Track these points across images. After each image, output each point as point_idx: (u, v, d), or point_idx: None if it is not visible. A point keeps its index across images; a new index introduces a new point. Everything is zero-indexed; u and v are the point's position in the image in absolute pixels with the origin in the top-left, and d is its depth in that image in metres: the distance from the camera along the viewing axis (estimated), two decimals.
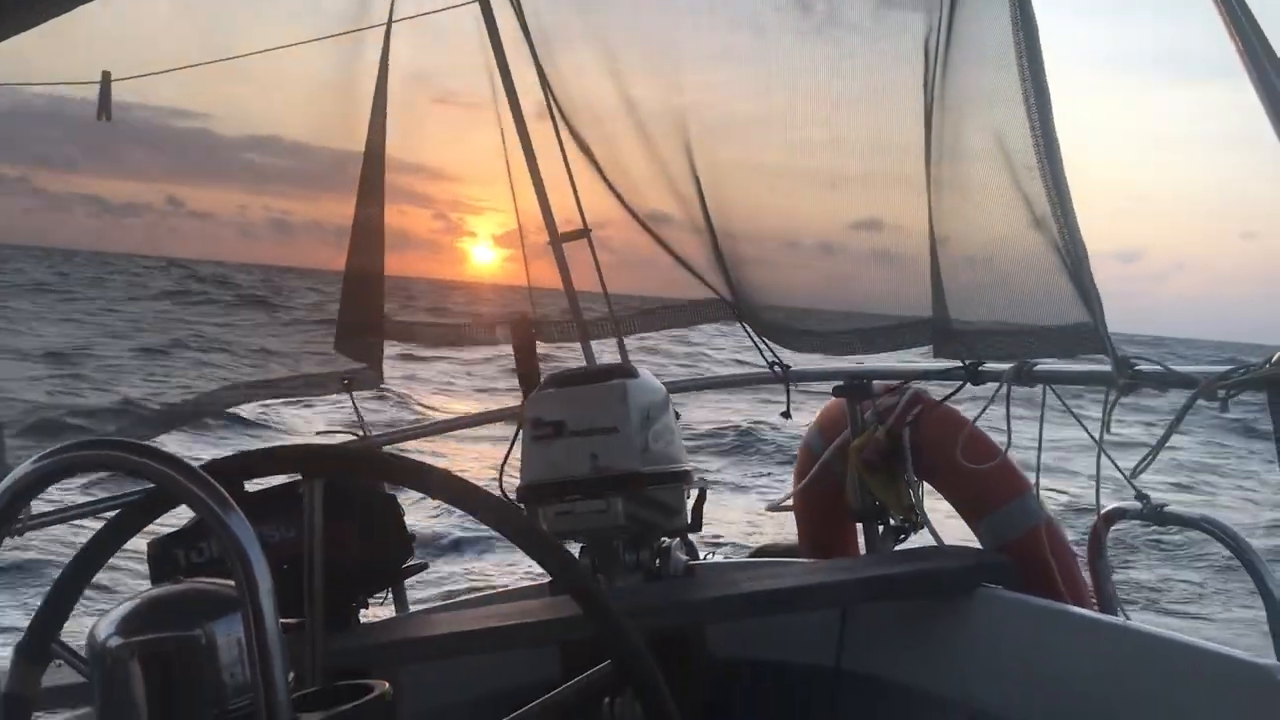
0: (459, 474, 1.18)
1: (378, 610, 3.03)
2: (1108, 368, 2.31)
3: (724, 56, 3.28)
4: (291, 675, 0.90)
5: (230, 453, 1.14)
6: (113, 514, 1.15)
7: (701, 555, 3.43)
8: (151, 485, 0.97)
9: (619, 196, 3.58)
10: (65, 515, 2.98)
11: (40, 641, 1.03)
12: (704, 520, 2.92)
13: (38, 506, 2.85)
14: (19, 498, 0.93)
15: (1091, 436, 2.44)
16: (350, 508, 2.71)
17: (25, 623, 1.06)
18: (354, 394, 3.62)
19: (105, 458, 0.90)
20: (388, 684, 0.95)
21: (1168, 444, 2.30)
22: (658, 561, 2.83)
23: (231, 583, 0.91)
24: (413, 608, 3.21)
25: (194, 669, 0.91)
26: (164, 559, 2.52)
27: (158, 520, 1.20)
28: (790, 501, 3.61)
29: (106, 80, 2.97)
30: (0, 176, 3.43)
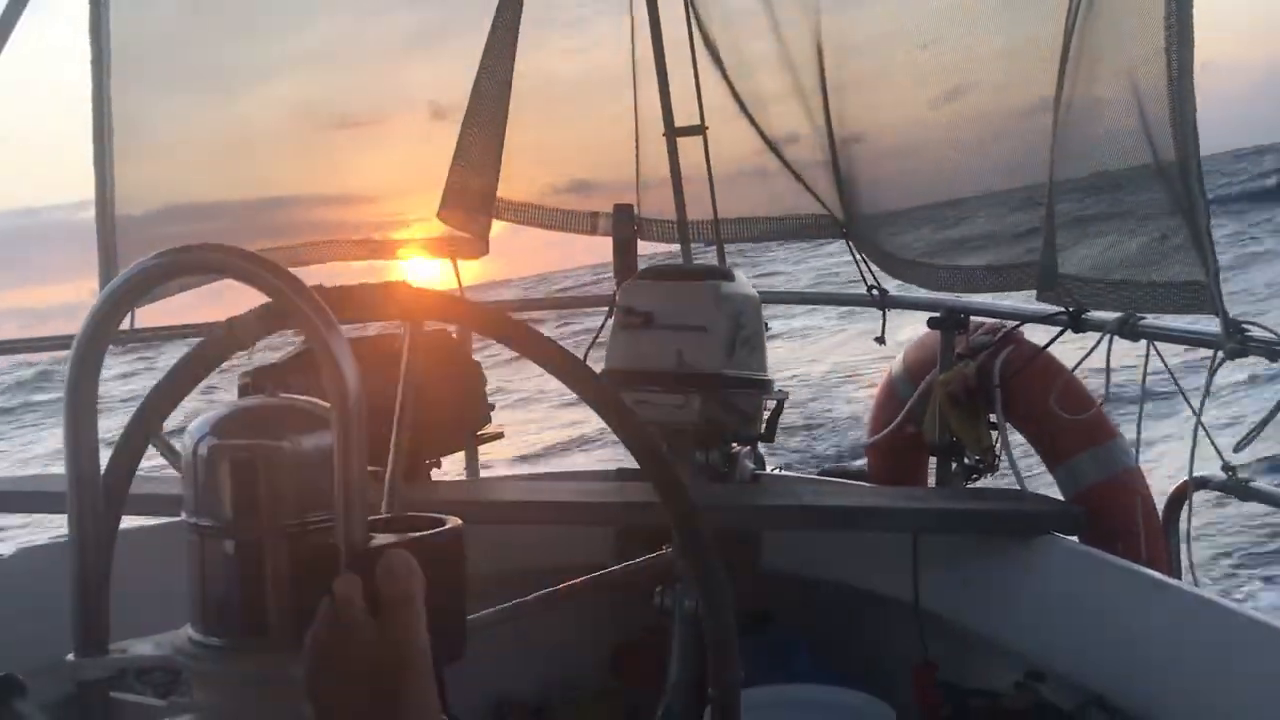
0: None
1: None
2: (1216, 329, 2.24)
3: None
4: (370, 502, 0.93)
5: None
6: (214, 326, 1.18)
7: (769, 468, 3.44)
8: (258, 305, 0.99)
9: (740, 100, 3.54)
10: (168, 332, 3.07)
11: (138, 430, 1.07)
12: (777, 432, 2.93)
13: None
14: (131, 292, 0.96)
15: (1188, 402, 2.38)
16: (436, 366, 2.77)
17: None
18: (457, 262, 3.68)
19: (218, 261, 0.92)
20: (460, 521, 0.98)
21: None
22: (726, 465, 2.84)
23: (323, 404, 0.93)
24: (483, 474, 3.28)
25: (279, 478, 0.94)
26: (254, 390, 2.60)
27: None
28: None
29: None
30: None
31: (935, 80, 3.00)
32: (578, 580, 1.20)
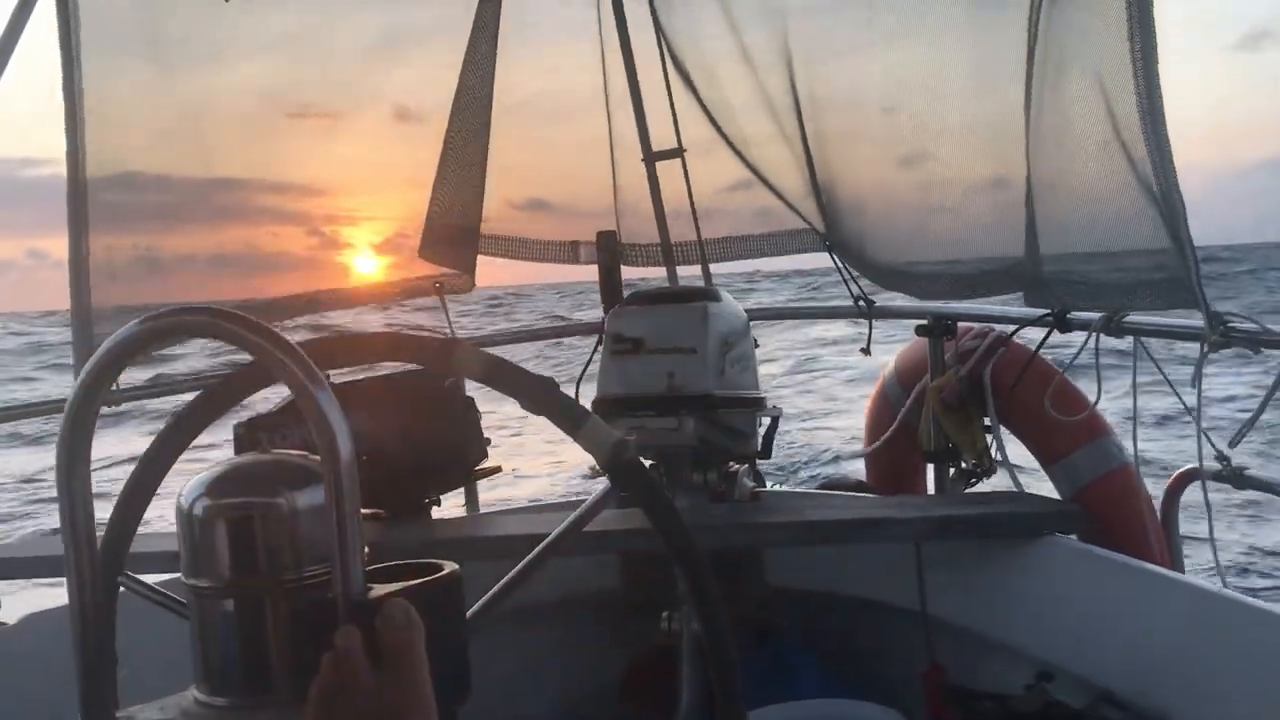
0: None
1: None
2: (1200, 323, 2.26)
3: None
4: (366, 551, 0.94)
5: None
6: (204, 389, 1.19)
7: (769, 484, 3.45)
8: (243, 364, 1.00)
9: (713, 121, 3.56)
10: (159, 388, 3.09)
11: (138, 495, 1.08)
12: (774, 448, 2.95)
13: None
14: (118, 360, 0.97)
15: (1177, 394, 2.40)
16: (430, 405, 2.78)
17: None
18: (444, 299, 3.70)
19: (202, 324, 0.93)
20: (457, 565, 0.98)
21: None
22: (725, 485, 2.85)
23: (315, 456, 0.94)
24: (483, 510, 3.29)
25: (275, 535, 0.95)
26: (249, 440, 2.61)
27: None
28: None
29: None
30: None
31: (907, 105, 3.02)
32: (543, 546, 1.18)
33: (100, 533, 1.00)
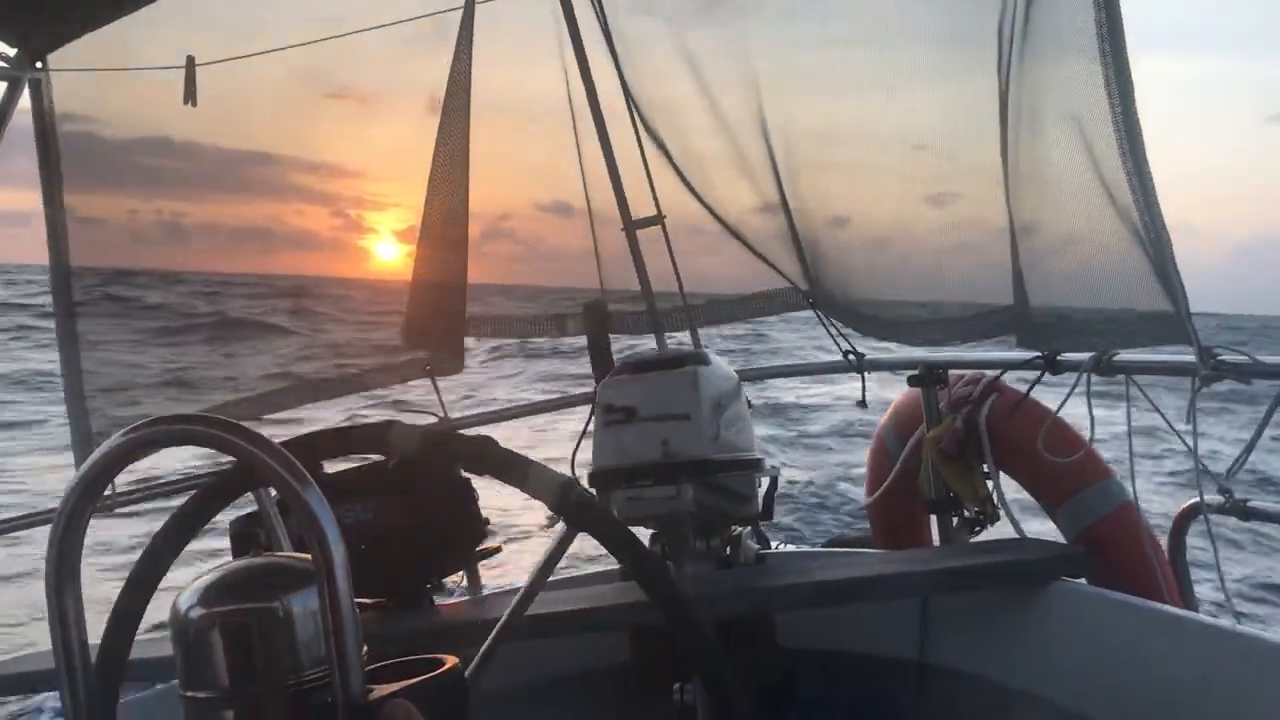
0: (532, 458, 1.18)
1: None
2: (1191, 358, 2.26)
3: (797, 44, 3.26)
4: (365, 649, 0.92)
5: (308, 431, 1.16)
6: (194, 491, 1.18)
7: (773, 545, 3.42)
8: (231, 462, 0.99)
9: (689, 186, 3.58)
10: (151, 490, 3.07)
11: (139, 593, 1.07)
12: (775, 509, 2.93)
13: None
14: (106, 471, 0.96)
15: (1174, 430, 2.39)
16: (426, 490, 2.75)
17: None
18: (436, 381, 3.69)
19: (188, 433, 0.92)
20: (457, 660, 0.97)
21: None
22: (728, 549, 2.83)
23: (309, 557, 0.93)
24: (486, 591, 3.25)
25: (272, 640, 0.93)
26: (245, 537, 2.58)
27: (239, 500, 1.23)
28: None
29: (191, 65, 3.03)
30: None
31: (884, 157, 3.05)
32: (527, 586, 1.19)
33: (95, 642, 0.99)
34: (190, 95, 3.03)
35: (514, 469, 1.09)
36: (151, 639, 2.34)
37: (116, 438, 0.94)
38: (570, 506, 1.08)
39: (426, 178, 3.49)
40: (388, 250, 3.79)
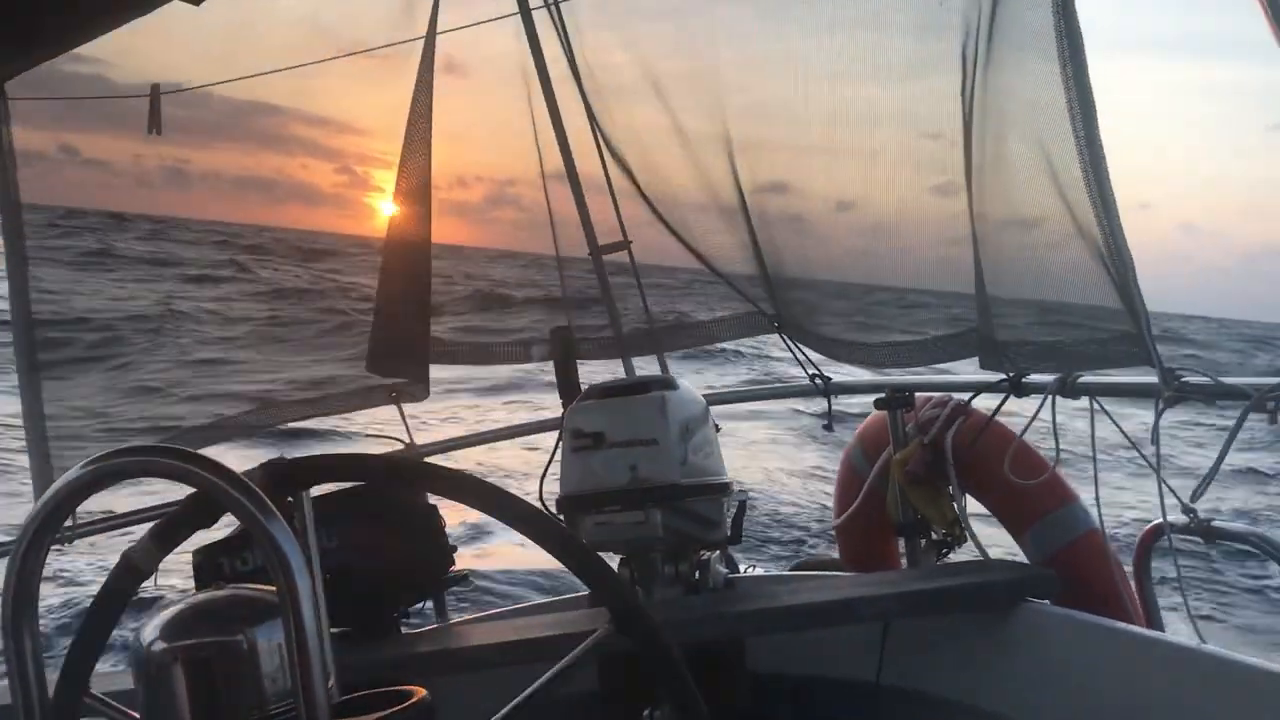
0: (501, 485, 1.18)
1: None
2: (1154, 379, 2.28)
3: (764, 63, 3.27)
4: (332, 681, 0.91)
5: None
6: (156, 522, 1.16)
7: (742, 569, 3.41)
8: (195, 492, 0.98)
9: (655, 210, 3.59)
10: (111, 522, 3.03)
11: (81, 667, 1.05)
12: (743, 533, 2.92)
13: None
14: (66, 503, 0.95)
15: (1139, 450, 2.41)
16: (392, 517, 2.73)
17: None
18: (401, 405, 3.66)
19: (151, 464, 0.91)
20: (425, 691, 0.95)
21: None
22: (697, 574, 2.82)
23: (273, 589, 0.92)
24: (454, 618, 3.22)
25: (235, 673, 0.92)
26: (208, 567, 2.55)
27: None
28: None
29: (156, 93, 3.01)
30: None
31: (848, 179, 3.07)
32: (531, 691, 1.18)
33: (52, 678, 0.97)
34: (155, 124, 3.01)
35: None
36: (112, 672, 2.31)
37: (77, 469, 0.93)
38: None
39: (434, 138, 3.46)
40: (391, 209, 3.74)
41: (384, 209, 3.69)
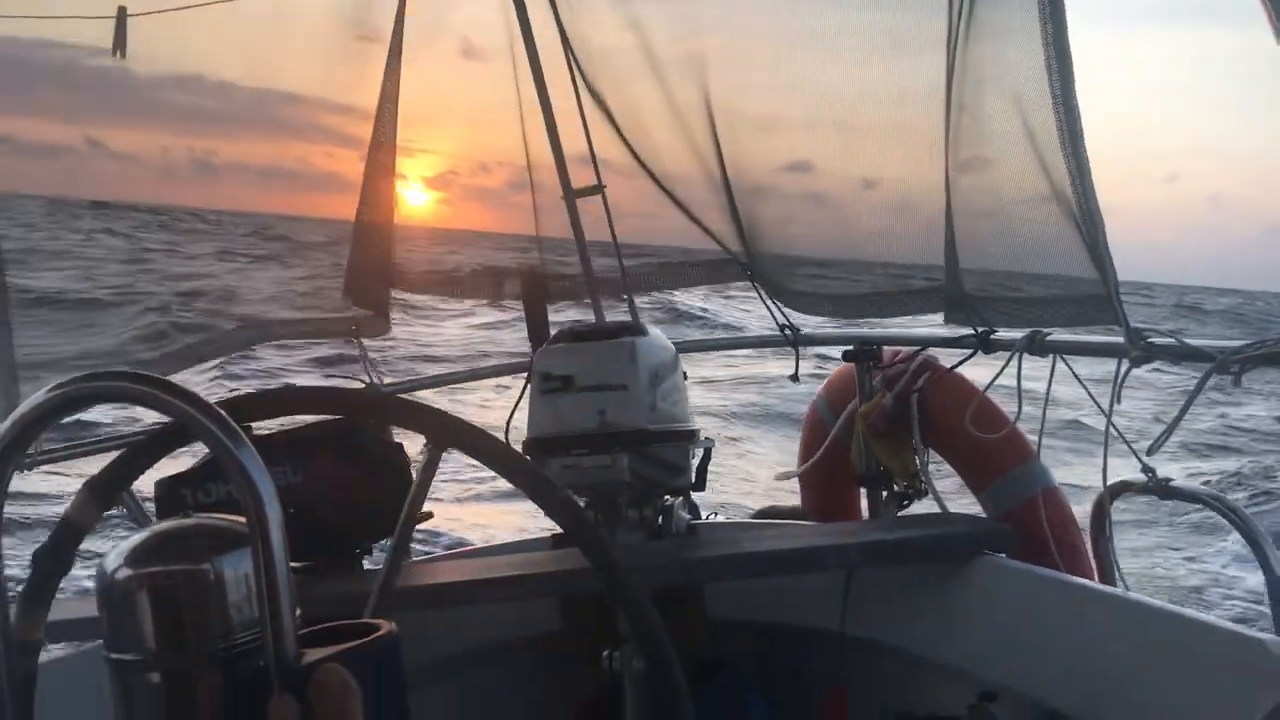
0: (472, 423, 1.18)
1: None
2: (1120, 339, 2.30)
3: (744, 8, 3.25)
4: (298, 613, 0.91)
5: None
6: (121, 450, 1.15)
7: (704, 515, 3.44)
8: (162, 421, 0.97)
9: (634, 152, 3.56)
10: (75, 450, 3.00)
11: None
12: (708, 480, 2.94)
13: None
14: (30, 429, 0.93)
15: (1100, 408, 2.44)
16: (358, 454, 2.73)
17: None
18: (362, 341, 3.63)
19: (117, 389, 0.90)
20: (393, 625, 0.96)
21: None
22: (660, 520, 2.84)
23: (240, 519, 0.91)
24: (416, 557, 3.23)
25: (201, 602, 0.91)
26: (171, 499, 2.54)
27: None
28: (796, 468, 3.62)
29: (123, 15, 2.95)
30: None
31: (826, 127, 3.05)
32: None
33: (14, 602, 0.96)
34: (120, 45, 2.95)
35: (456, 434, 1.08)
36: (77, 600, 2.30)
37: (43, 393, 0.92)
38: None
39: (455, 124, 3.48)
40: (416, 196, 3.74)
41: (408, 196, 3.72)
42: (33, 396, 0.92)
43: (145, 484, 2.48)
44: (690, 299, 20.28)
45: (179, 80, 3.19)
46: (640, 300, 3.85)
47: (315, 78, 3.46)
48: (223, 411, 0.87)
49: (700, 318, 20.85)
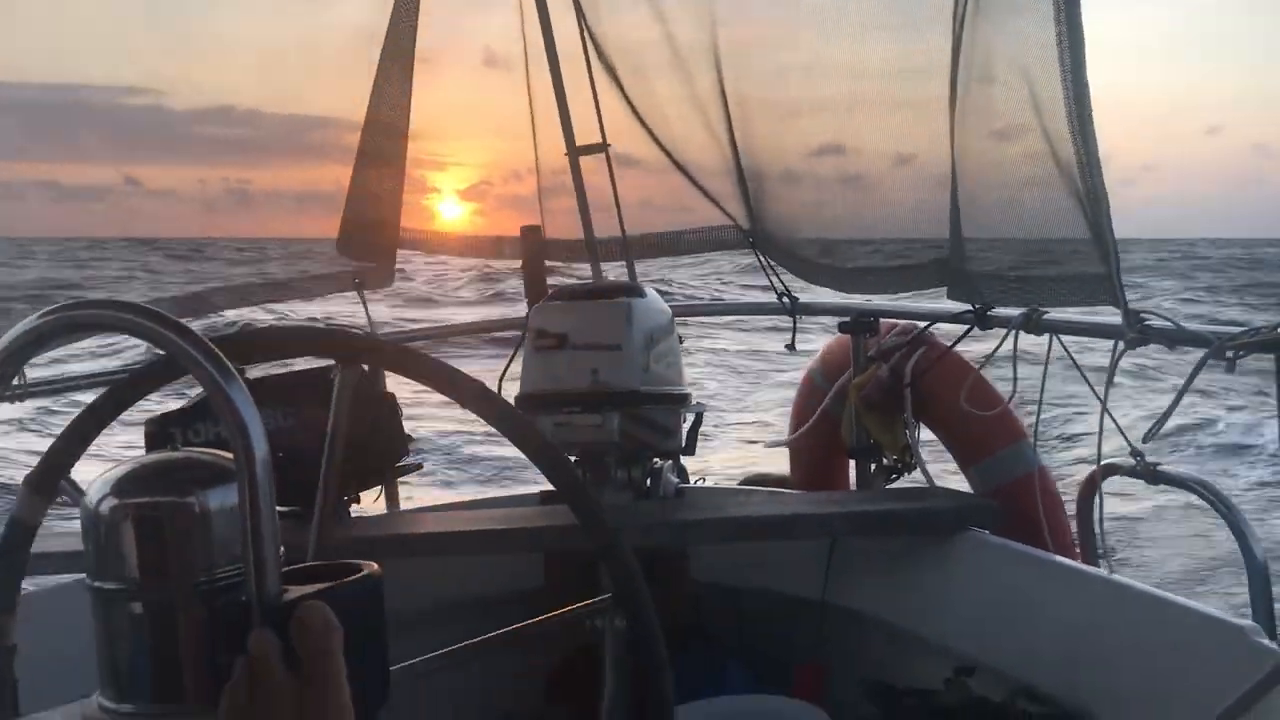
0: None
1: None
2: (1118, 320, 2.29)
3: None
4: (282, 550, 0.91)
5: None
6: (110, 385, 1.15)
7: (692, 480, 3.45)
8: (154, 357, 0.97)
9: (639, 116, 3.54)
10: (66, 383, 2.99)
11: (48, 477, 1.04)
12: (698, 444, 2.95)
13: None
14: (17, 354, 0.93)
15: (1094, 390, 2.43)
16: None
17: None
18: (363, 293, 3.63)
19: (107, 317, 0.89)
20: (376, 566, 0.95)
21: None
22: (649, 481, 2.84)
23: (228, 455, 0.91)
24: (404, 507, 3.24)
25: (185, 534, 0.91)
26: (160, 437, 2.54)
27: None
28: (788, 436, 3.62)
29: None
30: None
31: (833, 98, 3.04)
32: (503, 631, 1.19)
33: None
34: None
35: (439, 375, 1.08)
36: (62, 533, 2.30)
37: (32, 319, 0.91)
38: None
39: (481, 135, 3.50)
40: (450, 209, 3.77)
41: (441, 210, 3.74)
42: (20, 323, 0.91)
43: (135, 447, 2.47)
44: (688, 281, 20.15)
45: (209, 113, 3.25)
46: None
47: (342, 98, 3.47)
48: (212, 345, 0.87)
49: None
